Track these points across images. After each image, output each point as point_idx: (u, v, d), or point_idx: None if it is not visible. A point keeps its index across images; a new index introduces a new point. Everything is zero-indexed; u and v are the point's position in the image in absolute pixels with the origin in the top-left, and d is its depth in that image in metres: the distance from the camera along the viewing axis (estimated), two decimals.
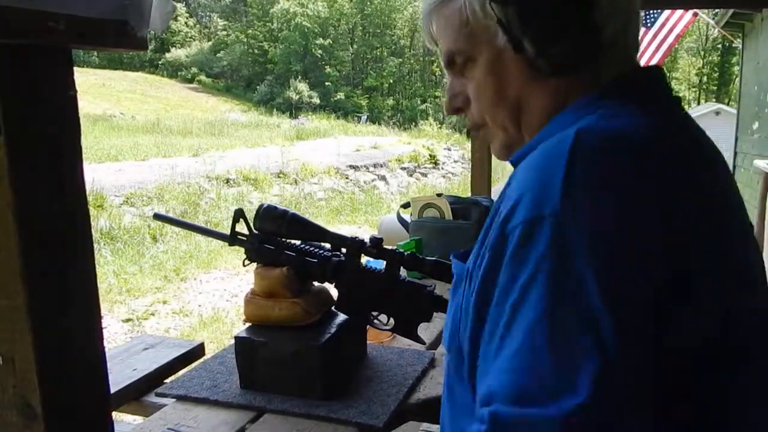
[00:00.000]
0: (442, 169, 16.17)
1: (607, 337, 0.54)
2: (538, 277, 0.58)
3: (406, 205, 2.56)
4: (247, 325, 1.37)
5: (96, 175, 8.87)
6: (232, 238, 1.41)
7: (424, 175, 15.23)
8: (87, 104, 21.89)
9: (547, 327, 0.57)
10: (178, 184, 10.23)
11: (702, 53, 44.15)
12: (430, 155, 16.42)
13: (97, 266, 0.68)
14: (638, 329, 0.56)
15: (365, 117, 33.77)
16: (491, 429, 0.56)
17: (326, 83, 38.93)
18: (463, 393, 0.75)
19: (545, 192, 0.61)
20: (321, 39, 40.79)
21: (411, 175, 14.87)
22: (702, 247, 0.63)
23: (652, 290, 0.58)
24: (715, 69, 43.46)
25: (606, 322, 0.55)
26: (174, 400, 1.30)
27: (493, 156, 0.97)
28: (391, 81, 41.70)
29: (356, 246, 1.36)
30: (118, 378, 1.39)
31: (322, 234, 1.37)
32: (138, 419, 1.37)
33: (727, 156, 6.87)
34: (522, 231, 0.61)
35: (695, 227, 0.63)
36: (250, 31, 44.37)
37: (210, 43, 46.23)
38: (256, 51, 43.40)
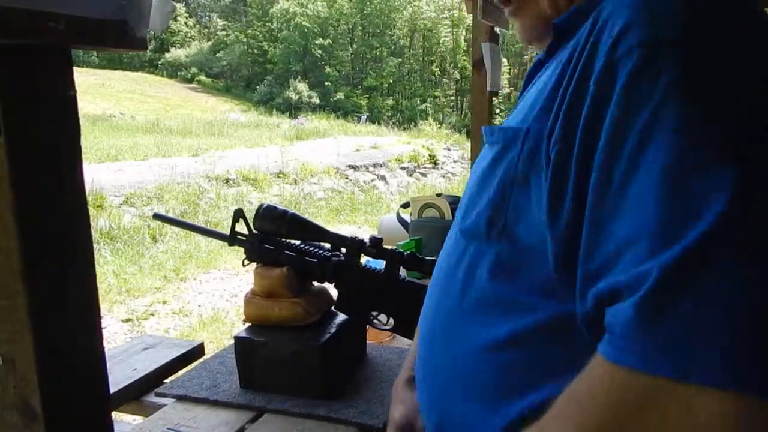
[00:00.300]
0: (442, 168, 16.17)
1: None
2: (668, 104, 0.52)
3: (405, 205, 2.57)
4: (247, 325, 1.37)
5: (96, 175, 8.87)
6: (232, 238, 1.41)
7: (424, 175, 15.22)
8: (87, 104, 21.90)
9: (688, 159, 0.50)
10: (177, 184, 10.22)
11: None
12: (430, 155, 16.41)
13: (96, 266, 0.68)
14: None
15: (365, 117, 33.77)
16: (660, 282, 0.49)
17: (326, 83, 38.91)
18: (488, 287, 0.69)
19: (666, 8, 0.54)
20: (320, 39, 40.76)
21: (411, 175, 14.86)
22: None
23: None
24: None
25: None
26: (174, 400, 1.30)
27: None
28: (391, 81, 41.66)
29: (356, 246, 1.36)
30: (118, 378, 1.39)
31: (322, 234, 1.37)
32: (138, 419, 1.37)
33: None
34: (641, 54, 0.54)
35: None
36: (249, 31, 44.34)
37: (210, 43, 46.19)
38: (255, 51, 43.37)
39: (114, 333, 5.04)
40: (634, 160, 0.53)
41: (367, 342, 1.52)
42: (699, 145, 0.50)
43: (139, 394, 1.39)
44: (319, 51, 40.45)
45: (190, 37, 46.85)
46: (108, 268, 6.66)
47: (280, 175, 12.27)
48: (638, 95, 0.53)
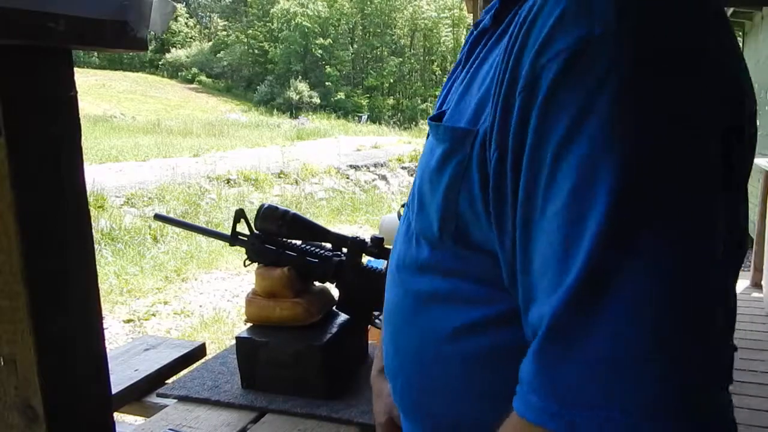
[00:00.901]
0: None
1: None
2: (596, 104, 0.46)
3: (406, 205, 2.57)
4: (249, 325, 1.37)
5: (96, 175, 8.88)
6: (233, 239, 1.41)
7: None
8: (87, 105, 21.92)
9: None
10: (178, 185, 10.22)
11: None
12: None
13: (98, 267, 0.68)
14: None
15: (365, 117, 33.78)
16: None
17: (326, 83, 38.93)
18: (443, 285, 0.67)
19: (590, 6, 0.48)
20: (321, 39, 40.78)
21: (411, 175, 14.85)
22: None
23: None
24: None
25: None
26: (175, 400, 1.30)
27: None
28: (392, 80, 41.67)
29: (357, 246, 1.36)
30: (120, 379, 1.39)
31: (323, 234, 1.37)
32: (139, 420, 1.37)
33: None
34: (567, 58, 0.48)
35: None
36: (250, 31, 44.35)
37: (210, 43, 46.21)
38: (256, 51, 43.39)
39: (115, 334, 5.04)
40: (549, 185, 0.49)
41: (369, 342, 1.52)
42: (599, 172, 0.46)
43: (140, 394, 1.39)
44: (320, 51, 40.46)
45: (191, 38, 46.88)
46: (109, 269, 6.66)
47: (281, 176, 12.27)
48: (556, 110, 0.49)
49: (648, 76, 0.46)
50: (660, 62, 0.46)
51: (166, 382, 1.44)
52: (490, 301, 0.63)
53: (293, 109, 34.61)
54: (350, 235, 1.38)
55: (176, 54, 43.05)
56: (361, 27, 43.84)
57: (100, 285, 0.68)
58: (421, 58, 43.74)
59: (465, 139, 0.60)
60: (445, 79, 0.82)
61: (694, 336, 0.44)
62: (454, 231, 0.63)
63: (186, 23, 47.34)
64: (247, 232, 1.40)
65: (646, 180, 0.45)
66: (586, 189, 0.46)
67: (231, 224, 1.39)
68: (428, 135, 0.72)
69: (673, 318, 0.44)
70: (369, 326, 1.45)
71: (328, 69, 39.95)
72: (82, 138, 0.66)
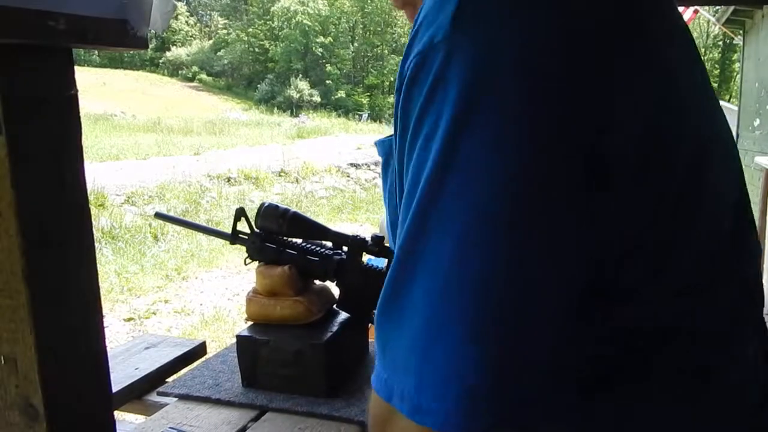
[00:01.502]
0: None
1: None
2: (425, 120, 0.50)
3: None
4: (249, 323, 1.37)
5: (97, 174, 8.87)
6: (234, 237, 1.41)
7: None
8: (88, 103, 21.90)
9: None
10: (179, 183, 10.23)
11: (703, 50, 44.13)
12: None
13: (98, 265, 0.68)
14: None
15: (366, 115, 33.78)
16: None
17: (327, 81, 38.93)
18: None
19: (437, 16, 0.50)
20: (322, 37, 40.77)
21: None
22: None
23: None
24: (716, 66, 43.38)
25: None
26: (176, 399, 1.30)
27: None
28: (392, 79, 41.59)
29: (358, 244, 1.36)
30: (120, 377, 1.39)
31: (324, 232, 1.37)
32: (140, 418, 1.37)
33: None
34: (414, 65, 0.51)
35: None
36: (250, 29, 44.34)
37: (211, 41, 46.20)
38: (256, 49, 43.38)
39: (116, 332, 5.04)
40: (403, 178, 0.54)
41: (370, 340, 1.52)
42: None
43: (141, 393, 1.39)
44: (320, 49, 40.46)
45: (191, 36, 46.85)
46: (110, 268, 6.67)
47: (282, 174, 12.28)
48: (403, 114, 0.53)
49: (474, 82, 0.47)
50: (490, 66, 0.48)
51: (167, 380, 1.44)
52: None
53: (294, 108, 34.62)
54: (351, 234, 1.38)
55: (177, 52, 43.04)
56: (361, 25, 43.82)
57: (100, 283, 0.68)
58: None
59: (391, 148, 0.64)
60: None
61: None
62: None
63: (186, 21, 47.31)
64: (247, 230, 1.40)
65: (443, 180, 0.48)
66: (413, 186, 0.50)
67: (231, 223, 1.39)
68: None
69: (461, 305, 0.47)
70: (370, 324, 1.45)
71: (329, 67, 39.95)
72: (83, 136, 0.66)
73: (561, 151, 0.47)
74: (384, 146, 0.68)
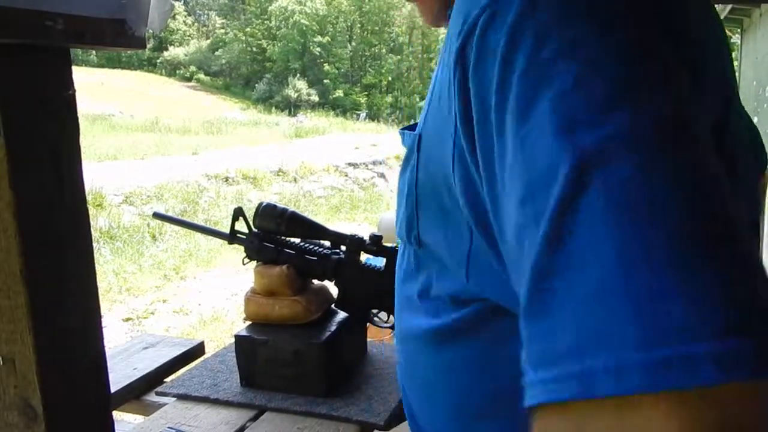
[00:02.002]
0: None
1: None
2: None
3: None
4: (248, 323, 1.37)
5: (95, 174, 8.86)
6: (232, 237, 1.41)
7: None
8: (85, 103, 21.86)
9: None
10: (177, 183, 10.22)
11: None
12: None
13: (96, 265, 0.68)
14: None
15: (364, 114, 33.77)
16: None
17: (325, 81, 38.90)
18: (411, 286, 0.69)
19: None
20: (319, 37, 40.74)
21: None
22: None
23: None
24: None
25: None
26: (174, 399, 1.30)
27: None
28: (390, 78, 41.69)
29: (356, 243, 1.36)
30: (119, 377, 1.39)
31: (322, 232, 1.37)
32: (138, 418, 1.37)
33: None
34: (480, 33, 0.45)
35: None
36: (248, 29, 44.29)
37: (208, 41, 46.15)
38: (254, 49, 43.34)
39: (114, 332, 5.04)
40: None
41: (368, 339, 1.52)
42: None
43: (139, 393, 1.39)
44: (318, 49, 40.43)
45: (189, 36, 46.79)
46: (108, 267, 6.66)
47: (280, 173, 12.27)
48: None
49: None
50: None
51: (165, 380, 1.44)
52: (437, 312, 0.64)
53: (291, 107, 34.59)
54: (349, 233, 1.38)
55: (174, 52, 42.98)
56: (359, 25, 43.80)
57: (98, 283, 0.68)
58: (420, 55, 43.70)
59: (413, 144, 0.62)
60: None
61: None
62: (417, 235, 0.64)
63: (184, 21, 47.26)
64: (245, 230, 1.40)
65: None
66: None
67: (230, 222, 1.39)
68: None
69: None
70: (368, 324, 1.45)
71: (327, 67, 39.92)
72: (81, 136, 0.66)
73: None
74: (409, 140, 0.64)
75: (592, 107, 0.38)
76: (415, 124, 0.68)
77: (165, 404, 1.29)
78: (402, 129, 0.71)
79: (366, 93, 40.54)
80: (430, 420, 0.71)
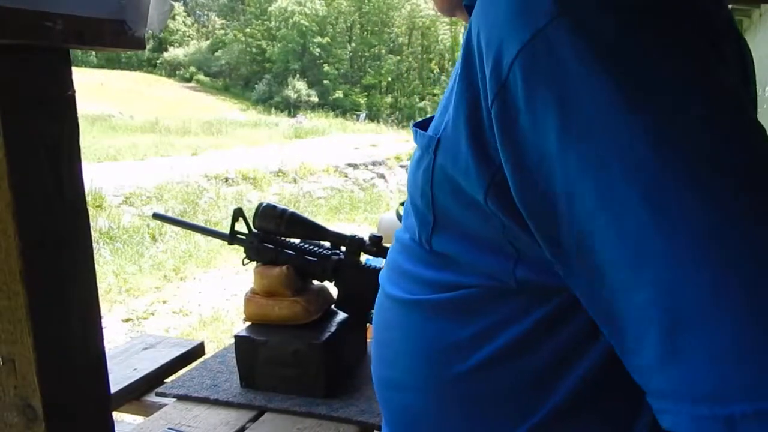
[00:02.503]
0: None
1: None
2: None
3: (405, 203, 2.57)
4: (247, 324, 1.37)
5: (95, 174, 8.86)
6: (232, 237, 1.41)
7: None
8: (85, 104, 21.86)
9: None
10: (177, 184, 10.22)
11: None
12: None
13: (96, 266, 0.68)
14: None
15: (364, 115, 33.77)
16: None
17: (324, 81, 38.90)
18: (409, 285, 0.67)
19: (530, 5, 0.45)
20: (319, 37, 40.74)
21: None
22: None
23: None
24: None
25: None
26: (174, 399, 1.30)
27: None
28: (390, 79, 41.68)
29: (356, 244, 1.36)
30: (119, 378, 1.39)
31: (322, 232, 1.37)
32: (138, 419, 1.37)
33: None
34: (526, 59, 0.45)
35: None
36: (248, 29, 44.28)
37: (208, 42, 46.13)
38: (254, 50, 43.32)
39: (114, 333, 5.03)
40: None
41: (368, 340, 1.52)
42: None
43: (139, 393, 1.39)
44: (318, 49, 40.43)
45: (189, 36, 46.78)
46: (108, 268, 6.66)
47: (279, 174, 12.27)
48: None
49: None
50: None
51: (165, 381, 1.44)
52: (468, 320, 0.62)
53: (291, 108, 34.59)
54: (349, 234, 1.38)
55: (174, 53, 42.97)
56: (358, 25, 43.80)
57: (98, 284, 0.68)
58: (419, 56, 43.70)
59: (429, 145, 0.60)
60: (443, 78, 0.82)
61: None
62: (429, 239, 0.63)
63: (184, 22, 47.25)
64: (245, 230, 1.40)
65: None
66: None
67: (229, 223, 1.39)
68: None
69: None
70: (368, 324, 1.45)
71: (326, 67, 39.92)
72: (80, 137, 0.66)
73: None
74: (422, 140, 0.63)
75: None
76: (428, 119, 0.68)
77: (165, 405, 1.29)
78: (415, 125, 0.69)
79: (366, 94, 40.54)
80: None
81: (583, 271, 0.46)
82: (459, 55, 0.59)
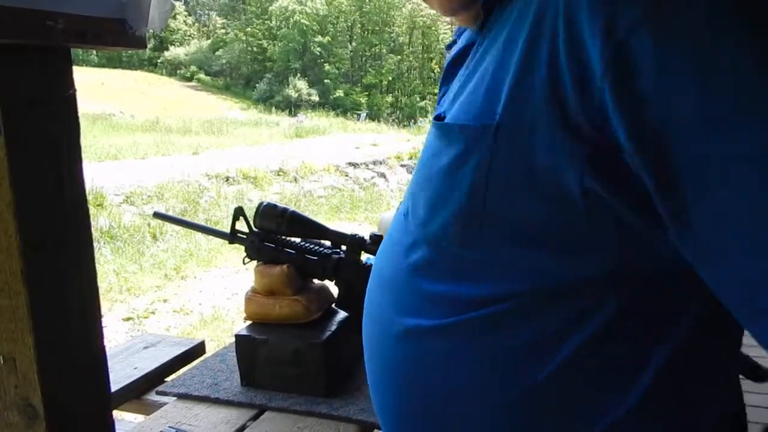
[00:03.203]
0: None
1: None
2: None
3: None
4: (248, 323, 1.37)
5: (95, 174, 8.86)
6: (232, 236, 1.41)
7: None
8: (86, 103, 21.86)
9: None
10: (177, 183, 10.21)
11: None
12: None
13: (97, 265, 0.68)
14: None
15: (364, 114, 33.76)
16: None
17: (325, 81, 38.90)
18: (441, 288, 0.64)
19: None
20: (320, 36, 40.75)
21: (410, 172, 14.82)
22: None
23: None
24: None
25: None
26: (175, 398, 1.30)
27: None
28: (390, 78, 41.68)
29: (356, 243, 1.36)
30: (119, 377, 1.39)
31: (322, 231, 1.37)
32: (139, 418, 1.37)
33: None
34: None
35: None
36: (248, 29, 44.28)
37: (209, 41, 46.17)
38: (254, 49, 43.34)
39: (115, 332, 5.04)
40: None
41: None
42: None
43: (140, 392, 1.39)
44: (318, 49, 40.43)
45: (190, 36, 46.81)
46: (108, 267, 6.66)
47: (280, 173, 12.27)
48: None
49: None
50: None
51: (166, 380, 1.44)
52: (484, 303, 0.60)
53: (292, 107, 34.60)
54: (349, 233, 1.38)
55: (175, 52, 43.00)
56: (359, 25, 43.80)
57: (99, 283, 0.68)
58: (420, 55, 43.70)
59: (479, 136, 0.56)
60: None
61: None
62: (477, 235, 0.58)
63: (185, 21, 47.28)
64: (246, 229, 1.40)
65: None
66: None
67: (230, 222, 1.39)
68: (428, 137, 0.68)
69: None
70: None
71: (327, 67, 39.92)
72: (81, 136, 0.66)
73: None
74: (467, 134, 0.58)
75: None
76: (441, 114, 0.65)
77: (165, 404, 1.29)
78: (436, 119, 0.65)
79: (366, 93, 40.54)
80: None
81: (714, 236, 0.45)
82: (503, 34, 0.57)
